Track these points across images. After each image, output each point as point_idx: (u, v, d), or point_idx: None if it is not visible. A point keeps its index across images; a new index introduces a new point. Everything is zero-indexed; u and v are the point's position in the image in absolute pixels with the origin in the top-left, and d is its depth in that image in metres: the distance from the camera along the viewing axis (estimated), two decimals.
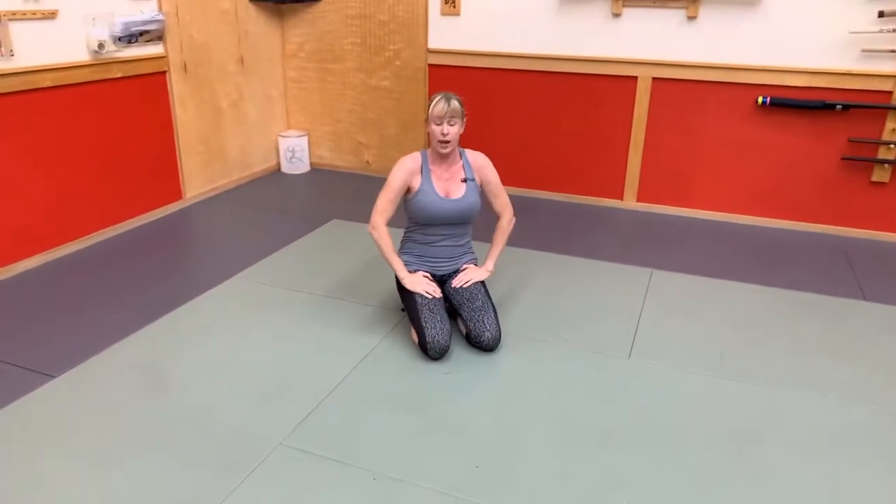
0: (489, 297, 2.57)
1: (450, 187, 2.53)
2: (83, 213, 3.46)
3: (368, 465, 1.93)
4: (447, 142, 2.43)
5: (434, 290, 2.52)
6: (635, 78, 3.92)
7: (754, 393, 2.30)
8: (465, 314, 2.52)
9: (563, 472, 1.92)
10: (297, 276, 3.13)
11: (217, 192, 4.33)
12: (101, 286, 3.03)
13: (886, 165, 3.60)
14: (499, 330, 2.49)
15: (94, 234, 3.53)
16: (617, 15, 3.85)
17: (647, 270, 3.25)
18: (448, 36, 4.25)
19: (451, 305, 2.61)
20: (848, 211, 3.77)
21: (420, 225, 2.59)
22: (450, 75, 4.32)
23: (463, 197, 2.53)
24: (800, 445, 2.05)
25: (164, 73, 3.78)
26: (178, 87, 3.88)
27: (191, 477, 1.88)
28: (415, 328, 2.48)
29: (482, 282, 2.61)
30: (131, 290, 2.98)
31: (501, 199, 2.63)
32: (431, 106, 2.42)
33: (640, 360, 2.49)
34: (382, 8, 4.35)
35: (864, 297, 3.02)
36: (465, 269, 2.65)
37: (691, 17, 3.72)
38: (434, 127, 2.43)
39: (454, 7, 4.17)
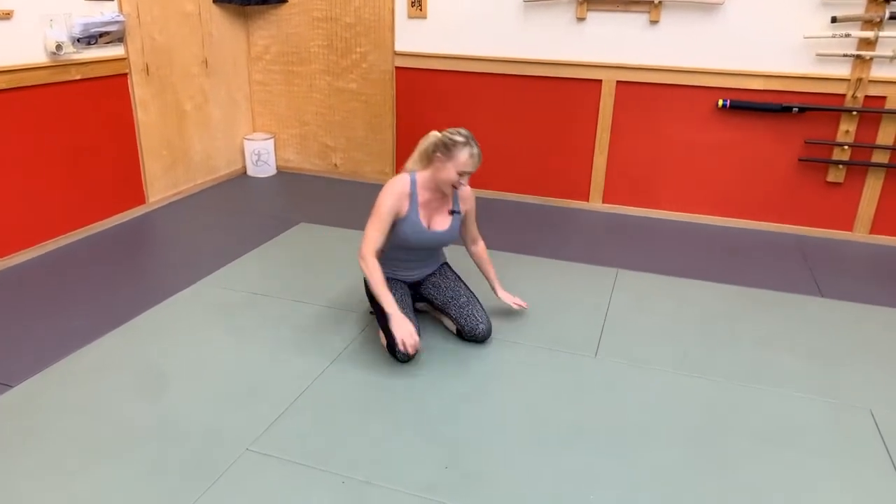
0: (471, 291, 2.59)
1: (435, 217, 2.48)
2: (42, 218, 3.37)
3: (337, 469, 1.92)
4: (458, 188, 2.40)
5: (413, 346, 2.31)
6: (600, 81, 3.98)
7: (718, 389, 2.36)
8: (452, 312, 2.53)
9: (533, 471, 1.94)
10: (264, 280, 3.10)
11: (181, 196, 4.26)
12: (60, 293, 2.95)
13: (841, 166, 3.72)
14: (489, 320, 2.54)
15: (54, 239, 3.44)
16: (581, 19, 3.91)
17: (613, 270, 3.30)
18: (415, 39, 4.26)
19: (435, 307, 2.61)
20: (805, 210, 3.88)
21: (394, 246, 2.53)
22: (417, 78, 4.33)
23: (447, 229, 2.50)
24: (763, 439, 2.10)
25: (125, 75, 3.71)
26: (139, 89, 3.81)
27: (156, 484, 1.85)
28: (383, 331, 2.48)
29: (459, 276, 2.64)
30: (92, 297, 2.91)
31: (476, 226, 2.66)
32: (457, 151, 2.28)
33: (606, 359, 2.52)
34: (348, 10, 4.34)
35: (821, 294, 3.12)
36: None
37: (653, 22, 3.79)
38: (454, 174, 2.31)
39: (420, 10, 4.18)
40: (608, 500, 1.84)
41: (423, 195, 2.42)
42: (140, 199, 3.96)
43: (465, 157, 2.29)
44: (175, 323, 2.71)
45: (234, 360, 2.46)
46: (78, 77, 3.43)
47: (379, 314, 2.49)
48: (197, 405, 2.20)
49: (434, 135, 2.40)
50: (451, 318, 2.57)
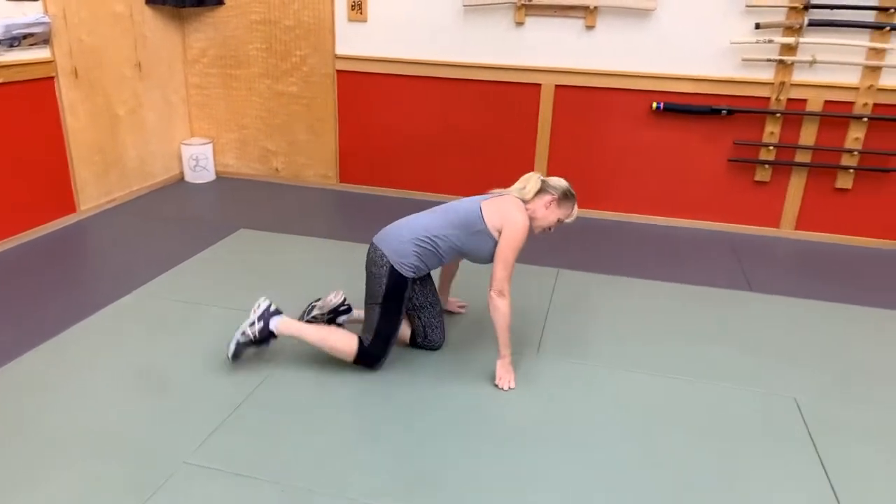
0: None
1: None
2: None
3: (277, 478, 1.90)
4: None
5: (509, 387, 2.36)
6: (539, 85, 4.05)
7: (656, 384, 2.43)
8: (424, 317, 2.50)
9: (478, 472, 1.96)
10: (202, 288, 3.03)
11: (115, 203, 4.12)
12: None
13: (767, 166, 3.89)
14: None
15: None
16: (520, 24, 3.97)
17: (554, 270, 3.36)
18: (355, 42, 4.24)
19: (415, 305, 2.50)
20: (735, 209, 4.04)
21: (449, 248, 2.34)
22: (358, 81, 4.32)
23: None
24: (696, 431, 2.18)
25: (51, 78, 3.57)
26: (67, 93, 3.67)
27: (89, 500, 1.78)
28: (374, 337, 2.33)
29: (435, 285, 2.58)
30: (20, 310, 2.79)
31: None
32: (572, 203, 2.39)
33: (548, 357, 2.57)
34: (287, 13, 4.29)
35: (750, 288, 3.25)
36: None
37: (589, 27, 3.88)
38: (554, 222, 2.39)
39: (360, 13, 4.16)
40: (553, 497, 1.87)
41: None
42: (70, 207, 3.81)
43: (575, 212, 2.44)
44: (108, 335, 2.62)
45: (172, 370, 2.40)
46: (0, 80, 3.28)
47: (387, 322, 2.32)
48: (131, 419, 2.13)
49: (539, 176, 2.39)
50: (419, 321, 2.51)
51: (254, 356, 2.48)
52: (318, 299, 2.64)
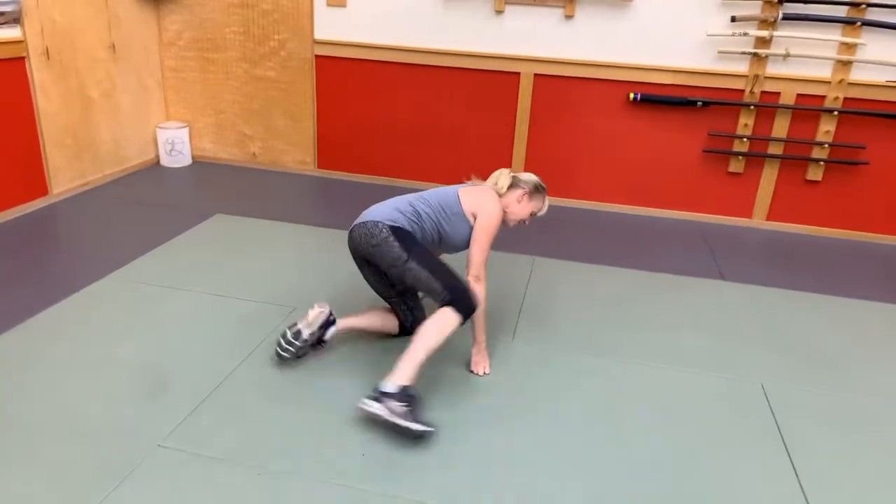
0: None
1: None
2: None
3: (252, 462, 1.91)
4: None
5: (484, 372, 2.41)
6: (518, 74, 4.07)
7: (628, 370, 2.47)
8: (409, 301, 2.46)
9: (447, 455, 1.98)
10: (178, 273, 3.01)
11: (88, 187, 4.06)
12: None
13: (740, 157, 3.96)
14: None
15: None
16: (500, 12, 3.97)
17: (530, 258, 3.40)
18: (335, 27, 4.21)
19: (399, 291, 2.47)
20: (709, 199, 4.11)
21: (438, 233, 2.34)
22: (337, 67, 4.29)
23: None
24: (664, 415, 2.23)
25: (22, 59, 3.50)
26: (39, 74, 3.60)
27: (61, 484, 1.78)
28: (443, 284, 2.15)
29: None
30: None
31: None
32: (544, 197, 2.45)
33: (522, 342, 2.60)
34: None
35: (722, 277, 3.32)
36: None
37: (568, 16, 3.90)
38: (527, 215, 2.44)
39: None
40: (522, 480, 1.91)
41: None
42: (42, 190, 3.75)
43: (546, 205, 2.50)
44: (82, 319, 2.59)
45: (147, 354, 2.39)
46: None
47: (439, 272, 2.19)
48: (106, 403, 2.12)
49: (509, 172, 2.45)
50: (405, 305, 2.47)
51: (235, 335, 2.48)
52: (294, 324, 2.36)
